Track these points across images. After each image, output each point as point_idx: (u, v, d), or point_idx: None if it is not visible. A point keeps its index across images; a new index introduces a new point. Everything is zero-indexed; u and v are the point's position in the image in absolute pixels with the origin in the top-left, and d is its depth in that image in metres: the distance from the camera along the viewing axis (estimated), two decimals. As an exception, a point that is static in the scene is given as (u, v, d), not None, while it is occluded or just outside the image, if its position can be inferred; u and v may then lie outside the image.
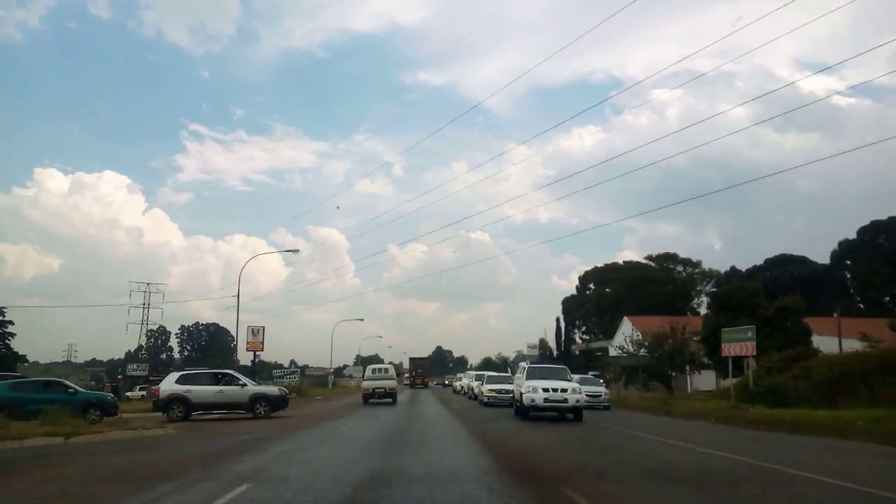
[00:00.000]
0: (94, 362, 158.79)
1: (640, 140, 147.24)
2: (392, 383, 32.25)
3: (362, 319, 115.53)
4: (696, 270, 62.64)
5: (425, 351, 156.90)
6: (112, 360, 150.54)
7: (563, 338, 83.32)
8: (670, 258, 62.14)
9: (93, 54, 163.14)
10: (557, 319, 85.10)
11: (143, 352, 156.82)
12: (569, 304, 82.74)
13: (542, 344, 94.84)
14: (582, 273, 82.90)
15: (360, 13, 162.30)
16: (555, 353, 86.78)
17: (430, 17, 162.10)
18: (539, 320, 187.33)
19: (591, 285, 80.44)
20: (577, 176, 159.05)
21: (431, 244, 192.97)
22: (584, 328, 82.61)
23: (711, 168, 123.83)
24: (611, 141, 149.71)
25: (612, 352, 48.62)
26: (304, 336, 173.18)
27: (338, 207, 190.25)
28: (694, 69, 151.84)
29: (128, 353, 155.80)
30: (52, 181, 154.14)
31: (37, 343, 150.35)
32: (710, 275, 62.22)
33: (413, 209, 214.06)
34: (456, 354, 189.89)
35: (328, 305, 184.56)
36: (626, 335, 44.51)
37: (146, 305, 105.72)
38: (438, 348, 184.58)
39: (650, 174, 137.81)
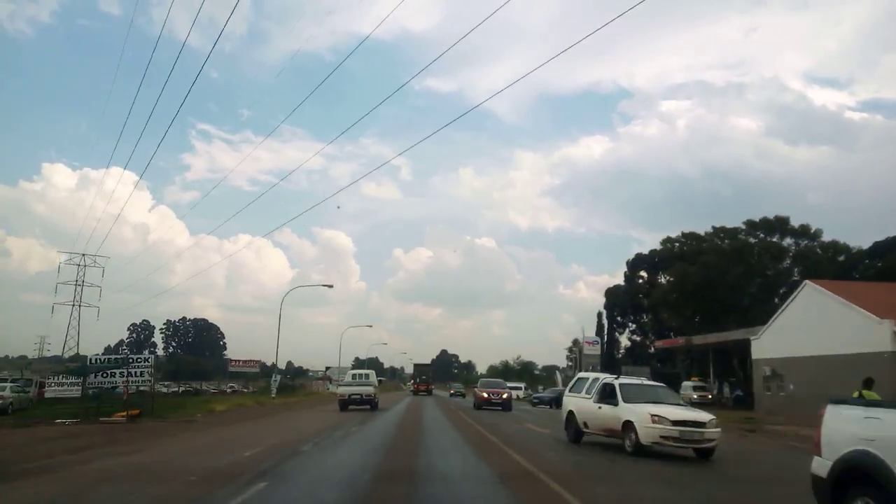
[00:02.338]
0: (76, 357, 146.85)
1: (648, 150, 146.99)
2: (370, 389, 30.34)
3: (371, 326, 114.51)
4: (814, 243, 48.67)
5: (428, 356, 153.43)
6: (77, 354, 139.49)
7: (605, 337, 69.91)
8: (773, 225, 48.34)
9: (103, 51, 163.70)
10: (599, 315, 72.01)
11: (125, 347, 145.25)
12: (615, 297, 69.12)
13: (575, 345, 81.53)
14: (631, 257, 69.30)
15: (368, 18, 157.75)
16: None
17: (439, 23, 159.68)
18: (544, 328, 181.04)
19: (644, 273, 66.99)
20: (584, 184, 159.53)
21: (437, 248, 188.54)
22: (632, 324, 69.04)
23: (720, 179, 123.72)
24: (618, 150, 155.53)
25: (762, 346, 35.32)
26: (308, 339, 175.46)
27: (338, 207, 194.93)
28: (703, 80, 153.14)
29: (107, 349, 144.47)
30: (60, 176, 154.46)
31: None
32: (836, 248, 48.19)
33: (420, 213, 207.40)
34: (462, 360, 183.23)
35: (332, 307, 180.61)
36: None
37: (79, 283, 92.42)
38: (443, 352, 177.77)
39: (658, 184, 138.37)
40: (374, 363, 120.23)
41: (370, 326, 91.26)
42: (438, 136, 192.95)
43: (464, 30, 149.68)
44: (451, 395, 58.04)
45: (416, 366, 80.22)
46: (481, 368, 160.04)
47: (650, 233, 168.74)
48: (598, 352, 48.59)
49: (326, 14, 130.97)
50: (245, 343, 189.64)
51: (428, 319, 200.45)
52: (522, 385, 59.51)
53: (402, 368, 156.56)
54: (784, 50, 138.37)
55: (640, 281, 67.15)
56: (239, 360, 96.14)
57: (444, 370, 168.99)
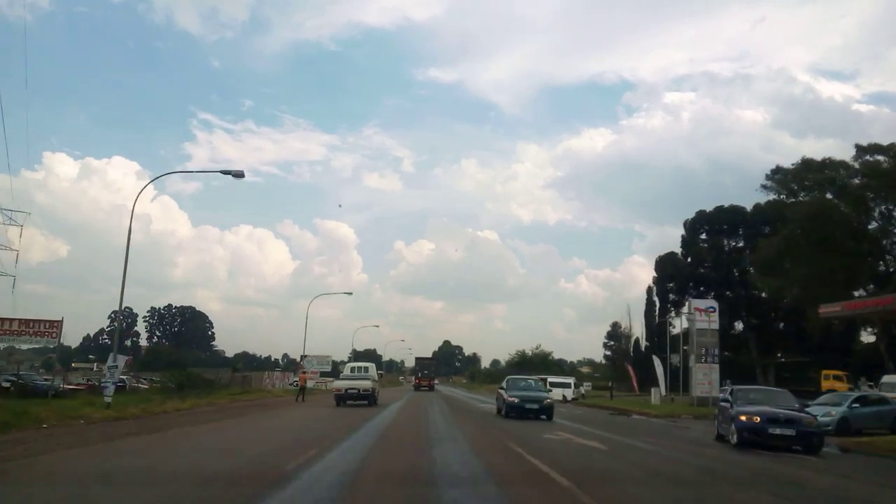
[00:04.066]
0: (41, 351, 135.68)
1: (651, 142, 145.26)
2: (368, 384, 27.92)
3: (377, 326, 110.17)
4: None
5: (429, 350, 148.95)
6: (60, 344, 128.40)
7: (655, 318, 58.10)
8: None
9: (103, 38, 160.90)
10: (649, 290, 60.19)
11: (104, 336, 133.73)
12: (670, 267, 57.18)
13: (615, 329, 69.94)
14: (691, 216, 57.46)
15: (371, 7, 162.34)
16: (642, 338, 61.83)
17: (441, 13, 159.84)
18: (546, 322, 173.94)
19: (703, 234, 55.35)
20: (587, 177, 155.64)
21: (439, 241, 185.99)
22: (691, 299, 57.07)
23: (726, 171, 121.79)
24: (622, 143, 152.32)
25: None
26: (309, 332, 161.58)
27: (340, 206, 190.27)
28: (707, 71, 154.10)
29: (86, 338, 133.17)
30: (62, 165, 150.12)
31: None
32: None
33: (422, 205, 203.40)
34: (466, 352, 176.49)
35: (334, 300, 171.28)
36: None
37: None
38: (446, 343, 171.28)
39: (662, 177, 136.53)
40: (371, 355, 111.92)
41: (377, 326, 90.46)
42: (441, 127, 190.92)
43: (466, 21, 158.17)
44: (478, 400, 41.73)
45: (418, 359, 78.69)
46: (486, 362, 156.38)
47: (653, 226, 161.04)
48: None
49: (329, 2, 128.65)
50: (238, 334, 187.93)
51: (429, 313, 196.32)
52: (571, 381, 46.32)
53: (402, 362, 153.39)
54: (790, 42, 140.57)
55: (705, 244, 55.55)
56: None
57: (447, 363, 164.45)
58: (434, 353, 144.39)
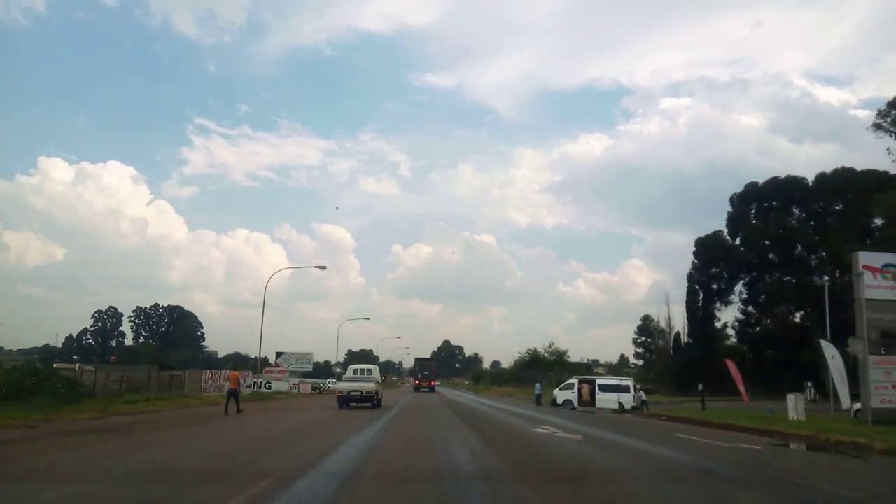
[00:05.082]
0: (27, 351, 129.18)
1: (649, 147, 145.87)
2: (372, 386, 27.93)
3: (368, 318, 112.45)
4: None
5: (427, 352, 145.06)
6: (47, 345, 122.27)
7: (699, 311, 49.27)
8: None
9: (100, 43, 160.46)
10: (690, 277, 51.27)
11: (88, 336, 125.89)
12: (716, 250, 48.38)
13: (647, 324, 61.13)
14: (740, 189, 48.80)
15: (369, 12, 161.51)
16: (684, 332, 52.90)
17: (439, 18, 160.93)
18: (544, 324, 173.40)
19: (753, 209, 46.73)
20: (584, 181, 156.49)
21: (436, 245, 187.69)
22: (745, 290, 48.53)
23: (722, 176, 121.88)
24: (619, 147, 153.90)
25: None
26: (305, 334, 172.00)
27: (336, 208, 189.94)
28: (705, 77, 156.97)
29: (68, 338, 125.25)
30: (57, 170, 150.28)
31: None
32: None
33: (419, 209, 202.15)
34: (467, 353, 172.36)
35: (332, 303, 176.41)
36: None
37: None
38: (446, 343, 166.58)
39: (659, 181, 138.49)
40: (368, 356, 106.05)
41: (367, 319, 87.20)
42: (437, 131, 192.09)
43: (464, 24, 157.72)
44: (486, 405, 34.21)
45: (417, 360, 76.84)
46: (486, 363, 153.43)
47: (651, 230, 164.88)
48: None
49: (327, 7, 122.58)
50: (230, 336, 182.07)
51: (427, 316, 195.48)
52: (629, 382, 34.66)
53: (401, 363, 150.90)
54: (787, 47, 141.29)
55: (755, 221, 46.65)
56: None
57: (447, 364, 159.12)
58: (433, 354, 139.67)
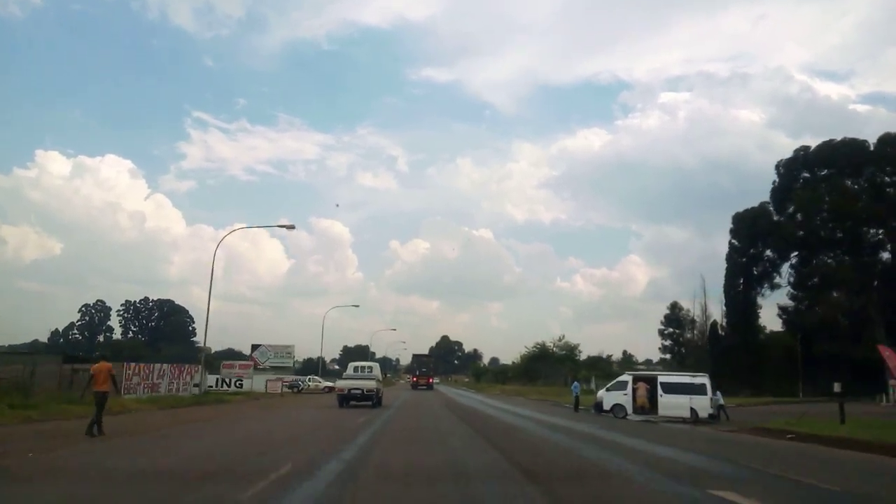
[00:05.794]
0: (17, 347, 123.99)
1: (647, 142, 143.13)
2: (372, 384, 27.82)
3: (357, 306, 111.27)
4: None
5: (426, 348, 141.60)
6: (35, 341, 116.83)
7: (739, 296, 42.71)
8: None
9: (97, 36, 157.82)
10: (729, 255, 44.71)
11: (75, 331, 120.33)
12: (761, 224, 41.67)
13: (675, 312, 54.55)
14: (791, 152, 42.15)
15: (368, 6, 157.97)
16: (721, 323, 46.20)
17: (437, 13, 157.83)
18: (542, 320, 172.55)
19: (804, 175, 40.23)
20: (583, 176, 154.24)
21: (434, 240, 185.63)
22: (793, 273, 41.89)
23: (722, 171, 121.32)
24: (618, 142, 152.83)
25: None
26: (302, 330, 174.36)
27: (337, 205, 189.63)
28: (704, 71, 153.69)
29: (54, 333, 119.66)
30: (54, 164, 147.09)
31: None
32: None
33: (417, 205, 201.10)
34: (466, 348, 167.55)
35: (330, 298, 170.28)
36: None
37: None
38: (444, 339, 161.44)
39: (658, 176, 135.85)
40: (363, 353, 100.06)
41: (357, 306, 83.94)
42: (436, 126, 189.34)
43: (463, 19, 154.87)
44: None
45: (415, 356, 75.11)
46: (485, 359, 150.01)
47: (650, 225, 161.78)
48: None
49: (325, 0, 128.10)
50: (223, 331, 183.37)
51: (425, 312, 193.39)
52: (705, 380, 25.20)
53: (398, 360, 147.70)
54: (787, 42, 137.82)
55: (815, 190, 39.88)
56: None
57: (446, 360, 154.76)
58: (431, 350, 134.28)
